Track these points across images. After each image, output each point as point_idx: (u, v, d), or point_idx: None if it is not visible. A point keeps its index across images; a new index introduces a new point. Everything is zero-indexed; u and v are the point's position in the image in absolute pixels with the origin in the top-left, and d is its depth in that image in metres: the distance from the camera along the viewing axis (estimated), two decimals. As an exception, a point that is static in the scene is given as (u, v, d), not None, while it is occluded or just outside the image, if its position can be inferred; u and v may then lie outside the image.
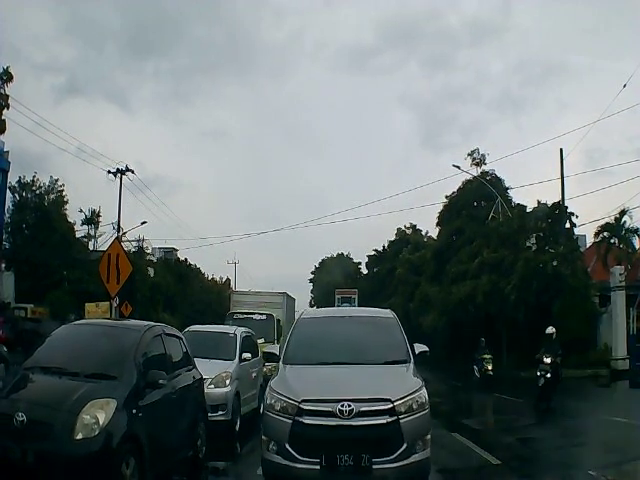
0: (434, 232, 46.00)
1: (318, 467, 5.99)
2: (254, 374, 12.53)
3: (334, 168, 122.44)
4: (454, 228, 38.52)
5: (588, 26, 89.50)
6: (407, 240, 55.95)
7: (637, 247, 30.18)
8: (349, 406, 6.05)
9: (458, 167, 34.84)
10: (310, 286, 79.28)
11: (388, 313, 8.56)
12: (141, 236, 42.57)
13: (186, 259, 57.31)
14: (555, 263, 27.44)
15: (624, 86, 25.19)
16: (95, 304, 23.60)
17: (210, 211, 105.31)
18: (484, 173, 36.94)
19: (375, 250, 63.92)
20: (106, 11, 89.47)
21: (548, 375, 14.39)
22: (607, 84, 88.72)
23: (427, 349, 7.62)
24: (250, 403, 11.82)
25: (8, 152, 29.83)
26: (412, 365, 7.20)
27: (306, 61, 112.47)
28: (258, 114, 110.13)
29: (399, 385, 6.56)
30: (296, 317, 8.96)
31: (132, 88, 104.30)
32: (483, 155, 37.39)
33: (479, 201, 38.20)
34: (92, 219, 39.57)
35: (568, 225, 29.73)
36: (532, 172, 50.47)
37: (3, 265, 30.92)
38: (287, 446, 6.12)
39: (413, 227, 57.97)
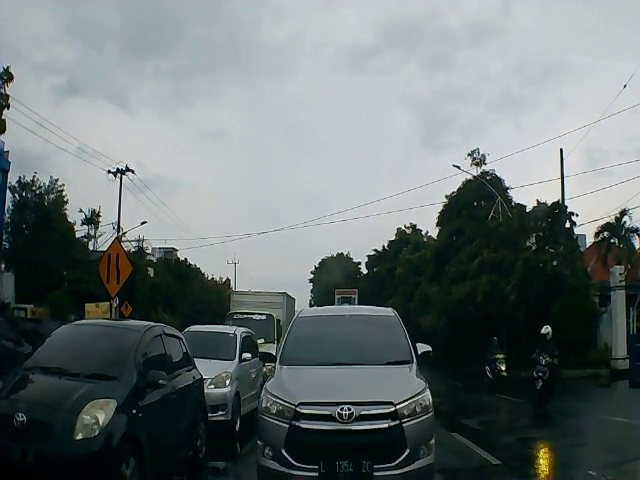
0: (434, 232, 46.09)
1: (316, 474, 5.71)
2: (254, 374, 12.53)
3: (334, 168, 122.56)
4: (454, 228, 38.52)
5: (588, 26, 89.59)
6: (407, 240, 55.96)
7: (637, 247, 30.22)
8: (349, 409, 5.78)
9: (458, 167, 34.92)
10: (310, 286, 79.52)
11: (389, 312, 8.29)
12: (141, 236, 42.57)
13: (186, 259, 57.36)
14: (555, 263, 27.43)
15: (624, 86, 25.25)
16: (95, 304, 23.56)
17: (210, 211, 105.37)
18: (484, 173, 36.97)
19: (375, 250, 63.98)
20: (106, 11, 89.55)
21: (545, 377, 13.86)
22: (607, 84, 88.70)
23: (430, 349, 7.36)
24: (250, 403, 11.81)
25: (8, 152, 29.78)
26: (415, 366, 6.92)
27: (306, 61, 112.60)
28: (258, 114, 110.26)
29: (401, 387, 6.28)
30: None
31: (132, 88, 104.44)
32: (483, 155, 37.48)
33: (479, 201, 38.20)
34: (92, 219, 39.51)
35: (568, 225, 29.75)
36: (532, 172, 50.48)
37: (3, 265, 30.89)
38: (283, 452, 5.85)
39: (413, 227, 57.99)
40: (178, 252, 54.63)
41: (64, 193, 37.07)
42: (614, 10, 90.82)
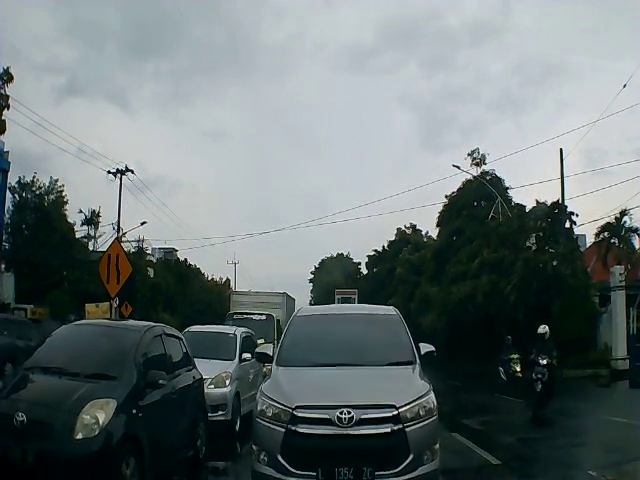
0: (434, 232, 46.04)
1: None
2: (254, 374, 12.53)
3: (334, 168, 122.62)
4: (454, 228, 38.51)
5: (588, 26, 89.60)
6: (407, 240, 55.96)
7: (637, 247, 30.23)
8: (349, 413, 5.52)
9: (458, 167, 34.94)
10: (310, 286, 79.52)
11: (391, 310, 8.02)
12: (141, 236, 42.60)
13: (186, 259, 57.43)
14: (555, 263, 27.43)
15: (624, 86, 25.24)
16: (95, 304, 23.55)
17: (210, 211, 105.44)
18: (484, 173, 36.97)
19: (375, 250, 63.95)
20: (106, 11, 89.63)
21: (545, 379, 13.22)
22: (607, 84, 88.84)
23: (433, 349, 6.99)
24: (250, 403, 11.71)
25: (8, 152, 29.85)
26: (418, 367, 6.63)
27: (306, 61, 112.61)
28: (258, 114, 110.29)
29: (404, 389, 6.01)
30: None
31: (132, 88, 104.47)
32: (483, 155, 37.46)
33: (479, 201, 38.20)
34: (92, 219, 39.53)
35: (568, 225, 29.76)
36: (532, 172, 50.62)
37: (3, 265, 30.94)
38: (279, 457, 5.56)
39: (413, 227, 57.96)
40: (178, 252, 54.76)
41: (64, 193, 37.19)
42: (614, 10, 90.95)
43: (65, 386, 6.21)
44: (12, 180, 33.31)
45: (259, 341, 14.57)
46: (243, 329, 13.21)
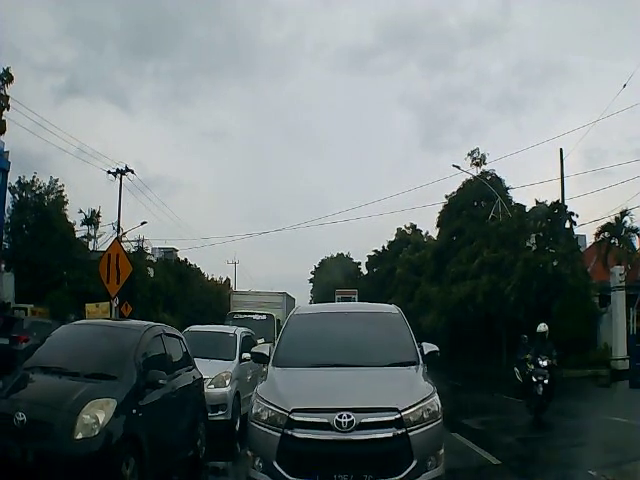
0: (434, 232, 46.02)
1: None
2: (254, 374, 12.51)
3: (334, 168, 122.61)
4: (454, 228, 38.51)
5: (588, 26, 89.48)
6: (407, 240, 55.95)
7: (637, 247, 30.23)
8: (348, 417, 5.24)
9: (458, 167, 34.96)
10: (310, 286, 79.49)
11: (392, 308, 7.72)
12: (141, 236, 42.62)
13: (186, 259, 57.41)
14: (555, 263, 27.45)
15: (624, 86, 25.26)
16: (95, 304, 23.57)
17: (210, 211, 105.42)
18: (484, 173, 36.98)
19: (375, 250, 63.91)
20: (106, 11, 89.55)
21: (546, 381, 12.89)
22: (607, 84, 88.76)
23: (437, 349, 6.69)
24: (250, 403, 11.80)
25: (8, 152, 29.81)
26: (422, 367, 6.36)
27: (306, 61, 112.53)
28: (258, 114, 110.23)
29: (407, 391, 5.74)
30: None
31: (132, 88, 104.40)
32: (483, 155, 37.48)
33: (479, 201, 38.21)
34: (92, 219, 39.56)
35: (568, 225, 29.77)
36: (532, 172, 50.70)
37: (3, 265, 30.92)
38: (275, 464, 5.32)
39: (413, 227, 57.96)
40: (178, 252, 54.77)
41: (64, 193, 37.20)
42: (614, 10, 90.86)
43: (65, 386, 6.20)
44: (12, 180, 33.34)
45: (259, 341, 14.56)
46: (243, 329, 13.22)
